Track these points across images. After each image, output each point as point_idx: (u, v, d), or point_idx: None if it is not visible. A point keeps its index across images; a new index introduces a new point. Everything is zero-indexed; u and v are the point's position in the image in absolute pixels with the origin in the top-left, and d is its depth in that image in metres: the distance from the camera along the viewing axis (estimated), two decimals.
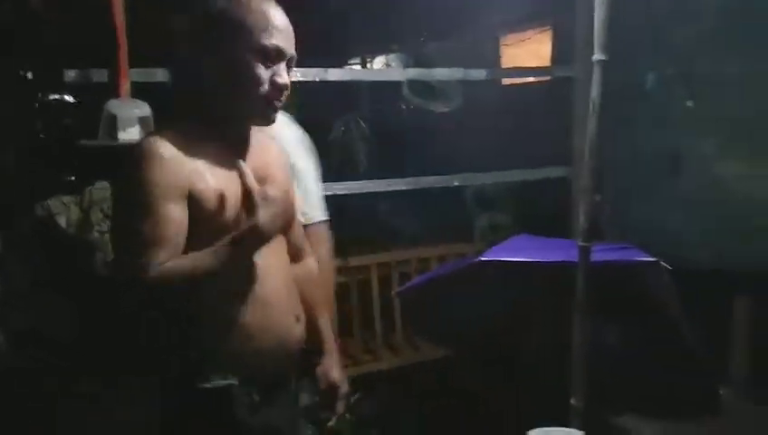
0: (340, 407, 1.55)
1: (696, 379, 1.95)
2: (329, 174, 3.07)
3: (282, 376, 1.37)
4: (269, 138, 1.42)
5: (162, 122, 1.28)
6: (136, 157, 1.17)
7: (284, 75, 1.24)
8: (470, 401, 2.72)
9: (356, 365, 3.02)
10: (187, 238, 1.17)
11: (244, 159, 1.27)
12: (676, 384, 1.96)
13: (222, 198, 1.20)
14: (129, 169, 1.18)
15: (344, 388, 1.56)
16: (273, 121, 1.28)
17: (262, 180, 1.25)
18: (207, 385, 1.22)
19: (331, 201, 2.87)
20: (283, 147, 1.51)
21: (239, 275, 1.24)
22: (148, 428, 1.30)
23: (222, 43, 1.21)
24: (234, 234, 1.16)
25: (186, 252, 1.17)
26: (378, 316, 3.11)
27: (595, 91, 1.56)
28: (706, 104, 2.55)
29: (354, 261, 3.08)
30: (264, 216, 1.15)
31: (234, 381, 1.24)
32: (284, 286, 1.34)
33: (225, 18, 1.21)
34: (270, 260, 1.29)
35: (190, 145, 1.20)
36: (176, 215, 1.16)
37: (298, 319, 1.36)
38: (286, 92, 1.25)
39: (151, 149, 1.16)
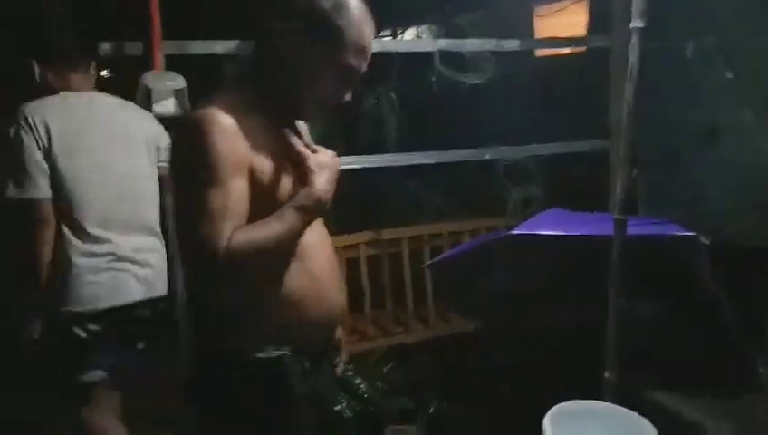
0: (345, 356, 1.61)
1: (733, 356, 1.93)
2: (360, 147, 3.11)
3: (326, 345, 1.42)
4: None
5: (212, 92, 1.26)
6: (198, 126, 1.15)
7: (348, 94, 1.28)
8: (500, 374, 2.74)
9: (387, 337, 3.06)
10: (253, 209, 1.17)
11: (293, 124, 1.30)
12: (712, 361, 1.94)
13: (277, 170, 1.21)
14: (192, 139, 1.16)
15: (344, 338, 1.62)
16: (341, 103, 1.30)
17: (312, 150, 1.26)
18: (261, 355, 1.25)
19: (363, 174, 2.90)
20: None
21: (292, 249, 1.25)
22: (203, 397, 1.33)
23: (313, 41, 1.21)
24: (292, 202, 1.17)
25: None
26: (409, 289, 3.13)
27: (633, 59, 1.53)
28: (746, 74, 2.47)
29: (386, 234, 3.10)
30: (320, 181, 1.17)
31: (286, 351, 1.27)
32: (329, 259, 1.37)
33: (326, 21, 1.21)
34: (315, 234, 1.31)
35: (244, 116, 1.19)
36: (241, 186, 1.16)
37: (341, 290, 1.41)
38: (358, 76, 1.28)
39: (213, 119, 1.14)
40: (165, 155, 2.09)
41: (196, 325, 1.37)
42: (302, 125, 1.44)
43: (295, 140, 1.20)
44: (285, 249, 1.21)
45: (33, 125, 1.86)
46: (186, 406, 1.37)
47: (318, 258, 1.31)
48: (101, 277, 1.91)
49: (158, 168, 2.11)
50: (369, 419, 2.67)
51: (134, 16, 2.43)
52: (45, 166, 1.86)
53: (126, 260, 1.96)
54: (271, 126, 1.23)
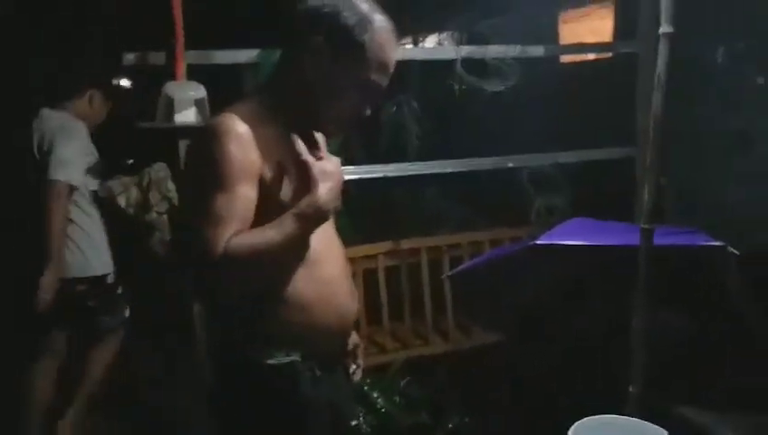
0: (361, 362, 1.62)
1: (759, 369, 1.86)
2: (379, 155, 3.08)
3: (339, 352, 1.42)
4: None
5: (233, 102, 1.29)
6: (213, 133, 1.19)
7: (368, 110, 1.28)
8: (521, 388, 2.67)
9: (406, 349, 3.01)
10: (260, 215, 1.18)
11: (312, 143, 1.28)
12: (740, 375, 1.87)
13: (290, 180, 1.21)
14: (206, 144, 1.20)
15: (361, 345, 1.63)
16: (363, 119, 1.31)
17: (318, 150, 1.26)
18: (272, 361, 1.25)
19: (382, 183, 2.87)
20: None
21: (301, 255, 1.26)
22: (214, 403, 1.35)
23: (336, 56, 1.22)
24: (294, 209, 1.17)
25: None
26: (428, 300, 3.08)
27: (661, 65, 1.48)
28: None
29: (405, 244, 3.06)
30: (323, 190, 1.17)
31: (296, 358, 1.26)
32: (341, 265, 1.37)
33: (350, 37, 1.22)
34: (327, 240, 1.32)
35: (261, 126, 1.21)
36: (248, 193, 1.17)
37: (353, 295, 1.40)
38: (381, 95, 1.28)
39: (229, 127, 1.17)
40: None
41: (210, 331, 1.37)
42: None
43: (302, 147, 1.19)
44: (286, 255, 1.21)
45: None
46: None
47: (328, 265, 1.31)
48: None
49: None
50: (386, 434, 2.63)
51: (157, 26, 2.46)
52: None
53: None
54: (286, 135, 1.23)
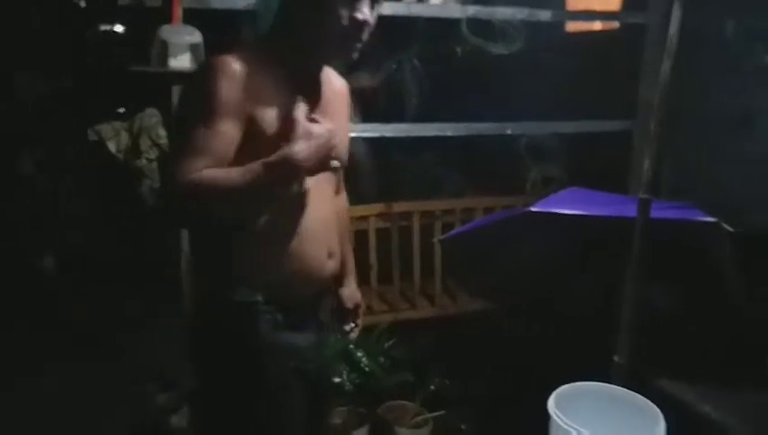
0: (360, 321, 1.76)
1: (745, 346, 1.88)
2: (378, 115, 3.03)
3: (309, 304, 1.44)
4: (334, 74, 1.47)
5: (234, 46, 1.31)
6: (204, 68, 1.25)
7: (364, 11, 1.25)
8: (507, 353, 2.69)
9: (393, 312, 3.01)
10: (244, 158, 1.20)
11: (311, 91, 1.32)
12: (723, 350, 1.90)
13: (281, 125, 1.22)
14: (195, 78, 1.27)
15: (363, 305, 1.76)
16: (353, 59, 1.31)
17: (322, 114, 1.31)
18: (234, 298, 1.30)
19: (378, 143, 2.83)
20: (345, 83, 1.54)
21: (279, 203, 1.28)
22: (190, 341, 1.41)
23: None
24: (265, 159, 1.17)
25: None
26: (417, 264, 3.07)
27: (673, 29, 1.44)
28: None
29: (397, 207, 3.04)
30: (300, 149, 1.17)
31: (259, 299, 1.30)
32: (323, 222, 1.39)
33: None
34: (314, 195, 1.33)
35: (259, 69, 1.23)
36: (229, 131, 1.19)
37: (331, 255, 1.42)
38: (367, 29, 1.27)
39: (217, 66, 1.20)
40: None
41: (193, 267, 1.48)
42: (338, 93, 1.46)
43: (297, 106, 1.21)
44: (253, 199, 1.23)
45: None
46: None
47: (310, 217, 1.33)
48: None
49: None
50: (368, 392, 2.64)
51: None
52: None
53: None
54: (291, 83, 1.26)
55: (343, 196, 1.70)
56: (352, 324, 1.71)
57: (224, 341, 1.33)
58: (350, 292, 1.72)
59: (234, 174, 1.18)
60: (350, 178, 1.71)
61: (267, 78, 1.24)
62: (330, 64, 1.42)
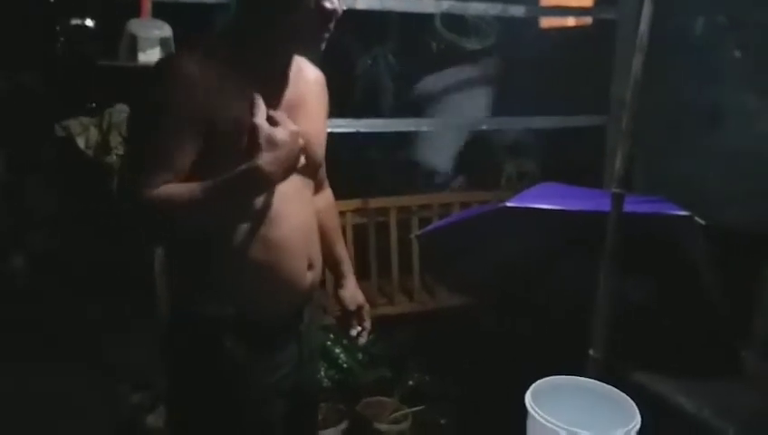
0: (369, 323, 1.59)
1: (717, 338, 1.90)
2: (353, 110, 3.02)
3: (287, 318, 1.35)
4: (308, 65, 1.38)
5: (194, 41, 1.22)
6: (157, 75, 1.15)
7: (333, 1, 1.17)
8: (485, 348, 2.70)
9: (371, 308, 2.97)
10: (207, 167, 1.12)
11: (279, 86, 1.23)
12: (697, 342, 1.91)
13: (243, 131, 1.11)
14: (150, 85, 1.15)
15: (368, 306, 1.62)
16: (320, 49, 1.22)
17: (293, 111, 1.22)
18: (206, 312, 1.23)
19: (353, 139, 2.81)
20: (321, 74, 1.44)
21: (249, 213, 1.20)
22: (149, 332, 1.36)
23: None
24: (232, 173, 1.09)
25: (203, 180, 1.12)
26: (395, 260, 3.07)
27: (644, 26, 1.45)
28: (755, 55, 2.40)
29: (373, 202, 3.02)
30: (265, 159, 1.09)
31: (230, 312, 1.23)
32: (301, 230, 1.30)
33: None
34: (289, 202, 1.25)
35: (220, 67, 1.13)
36: (185, 140, 1.11)
37: (311, 266, 1.33)
38: (335, 18, 1.19)
39: (173, 69, 1.12)
40: None
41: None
42: (312, 85, 1.36)
43: (258, 107, 1.11)
44: (219, 213, 1.16)
45: None
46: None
47: (284, 228, 1.25)
48: None
49: None
50: (347, 388, 2.64)
51: None
52: None
53: None
54: (256, 81, 1.16)
55: (326, 193, 1.62)
56: (359, 328, 1.57)
57: (195, 354, 1.26)
58: (351, 293, 1.60)
59: (195, 191, 1.10)
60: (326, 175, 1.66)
61: (228, 76, 1.14)
62: (298, 55, 1.31)
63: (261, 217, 1.22)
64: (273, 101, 1.20)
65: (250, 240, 1.21)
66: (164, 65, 1.17)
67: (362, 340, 1.57)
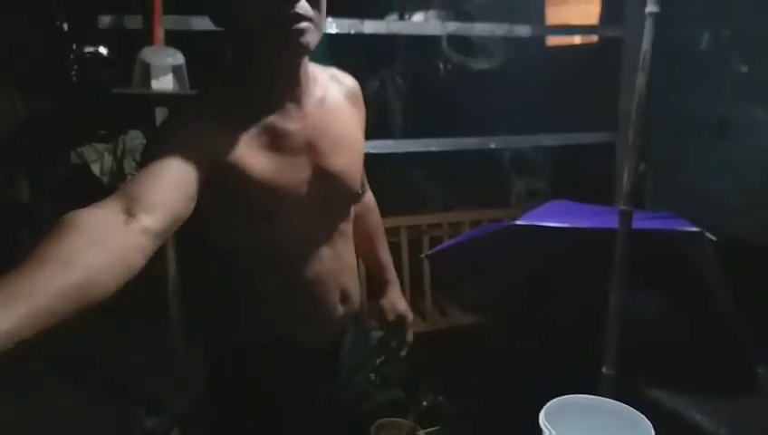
0: (410, 336, 1.51)
1: (733, 355, 1.88)
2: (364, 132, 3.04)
3: (322, 350, 1.30)
4: (338, 78, 1.27)
5: (211, 70, 1.20)
6: (152, 141, 1.11)
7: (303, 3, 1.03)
8: (498, 367, 2.68)
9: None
10: (218, 213, 1.07)
11: (295, 121, 1.12)
12: (712, 359, 1.89)
13: (259, 177, 1.06)
14: (147, 148, 1.12)
15: (410, 316, 1.52)
16: (302, 49, 1.05)
17: (314, 146, 1.14)
18: (242, 342, 1.22)
19: (363, 160, 2.83)
20: (354, 84, 1.31)
21: (272, 256, 1.15)
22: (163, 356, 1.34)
23: None
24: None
25: (220, 226, 1.10)
26: (407, 279, 3.07)
27: (646, 45, 1.47)
28: (761, 69, 2.41)
29: (385, 223, 3.01)
30: None
31: (262, 341, 1.22)
32: (332, 268, 1.22)
33: None
34: (318, 243, 1.19)
35: (222, 115, 1.06)
36: (174, 180, 0.96)
37: (344, 299, 1.27)
38: (306, 16, 1.02)
39: (169, 134, 1.04)
40: None
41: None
42: (342, 99, 1.24)
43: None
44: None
45: None
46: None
47: (312, 268, 1.19)
48: None
49: None
50: (361, 410, 2.62)
51: None
52: None
53: None
54: (260, 109, 1.09)
55: (367, 198, 1.53)
56: (400, 344, 1.51)
57: (231, 383, 1.24)
58: (391, 302, 1.51)
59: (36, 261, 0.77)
60: None
61: (244, 122, 1.07)
62: (283, 64, 1.11)
63: (286, 259, 1.16)
64: (290, 141, 1.11)
65: (275, 279, 1.17)
66: (160, 133, 1.10)
67: (402, 353, 1.51)
